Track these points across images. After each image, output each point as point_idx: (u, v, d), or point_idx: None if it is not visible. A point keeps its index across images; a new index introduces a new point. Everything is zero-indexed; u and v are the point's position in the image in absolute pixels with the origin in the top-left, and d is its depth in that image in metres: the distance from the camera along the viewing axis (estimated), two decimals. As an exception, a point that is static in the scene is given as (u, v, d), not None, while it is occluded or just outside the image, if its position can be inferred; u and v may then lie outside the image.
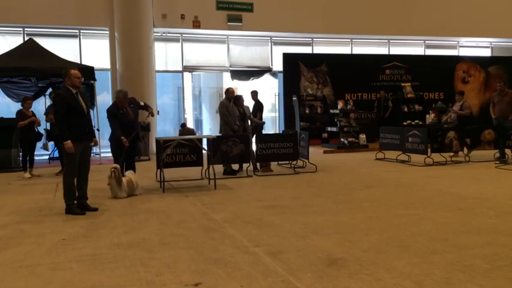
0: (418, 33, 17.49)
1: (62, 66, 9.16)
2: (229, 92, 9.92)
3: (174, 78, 15.96)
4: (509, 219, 5.55)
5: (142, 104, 8.49)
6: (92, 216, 6.04)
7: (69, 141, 6.01)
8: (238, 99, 10.02)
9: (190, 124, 16.04)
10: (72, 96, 6.15)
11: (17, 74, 11.28)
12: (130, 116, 7.83)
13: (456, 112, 11.92)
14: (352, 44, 17.65)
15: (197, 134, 14.26)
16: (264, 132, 13.22)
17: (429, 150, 10.51)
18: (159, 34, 15.00)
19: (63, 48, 13.78)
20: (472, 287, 3.52)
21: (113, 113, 7.79)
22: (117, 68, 14.00)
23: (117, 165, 7.37)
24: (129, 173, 7.57)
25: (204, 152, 9.06)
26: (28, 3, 13.45)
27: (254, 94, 13.25)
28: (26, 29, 14.05)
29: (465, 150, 11.03)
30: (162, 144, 8.35)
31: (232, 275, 3.82)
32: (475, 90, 18.02)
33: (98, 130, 11.91)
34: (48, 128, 10.78)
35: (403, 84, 16.68)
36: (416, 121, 15.20)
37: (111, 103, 10.40)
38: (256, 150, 9.63)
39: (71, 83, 6.17)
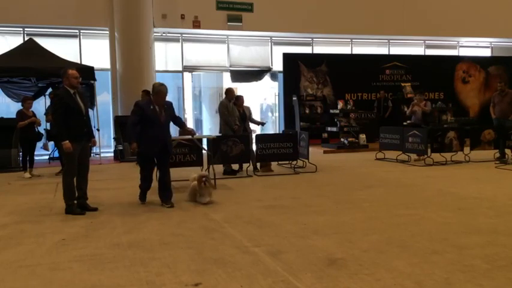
0: (418, 33, 17.48)
1: (61, 66, 9.15)
2: (230, 92, 9.93)
3: (174, 78, 15.95)
4: (509, 219, 5.55)
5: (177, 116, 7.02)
6: (91, 216, 6.03)
7: (67, 141, 6.01)
8: (238, 99, 10.03)
9: (190, 124, 16.04)
10: (70, 96, 6.15)
11: (17, 74, 11.29)
12: (162, 118, 6.50)
13: (420, 106, 11.64)
14: (352, 44, 17.64)
15: (196, 134, 14.25)
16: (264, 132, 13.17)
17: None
18: (159, 34, 15.00)
19: (63, 48, 13.77)
20: (472, 287, 3.52)
21: (141, 107, 6.47)
22: (117, 68, 14.00)
23: (206, 174, 6.77)
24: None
25: (204, 152, 9.06)
26: (28, 3, 13.44)
27: (145, 94, 11.63)
28: (26, 29, 14.04)
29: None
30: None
31: (232, 275, 3.82)
32: (475, 90, 18.03)
33: (98, 130, 11.92)
34: (48, 128, 10.78)
35: (403, 84, 16.67)
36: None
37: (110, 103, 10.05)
38: (256, 150, 9.63)
39: (68, 83, 6.18)
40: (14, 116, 9.85)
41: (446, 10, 17.15)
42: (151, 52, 14.13)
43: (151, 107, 6.43)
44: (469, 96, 17.96)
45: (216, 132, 11.23)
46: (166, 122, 6.62)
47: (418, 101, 11.86)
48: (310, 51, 17.16)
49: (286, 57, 15.94)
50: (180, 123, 6.98)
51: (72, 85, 6.18)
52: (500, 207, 6.17)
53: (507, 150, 11.01)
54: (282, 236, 4.93)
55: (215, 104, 14.92)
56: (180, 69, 15.72)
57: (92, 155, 12.16)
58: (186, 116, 16.20)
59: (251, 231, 5.16)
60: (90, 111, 7.84)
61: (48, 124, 10.66)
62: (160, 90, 6.47)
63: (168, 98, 6.69)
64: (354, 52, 17.63)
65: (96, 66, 12.24)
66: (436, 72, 16.89)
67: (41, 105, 12.71)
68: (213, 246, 4.62)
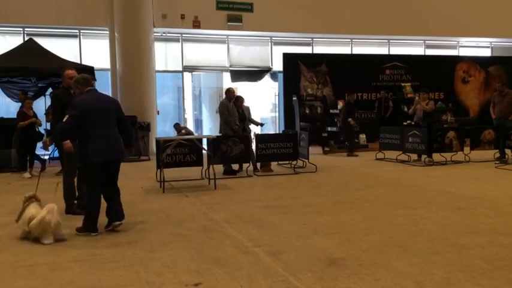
0: (418, 33, 17.49)
1: (61, 66, 9.17)
2: (230, 92, 9.94)
3: (174, 78, 15.96)
4: (509, 219, 5.56)
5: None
6: (92, 216, 6.02)
7: (68, 141, 6.01)
8: (238, 100, 10.03)
9: (190, 124, 16.04)
10: (70, 96, 6.15)
11: (17, 74, 11.29)
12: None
13: (422, 105, 11.21)
14: (352, 44, 17.64)
15: (195, 134, 14.26)
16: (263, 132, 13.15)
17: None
18: (159, 34, 15.00)
19: (63, 48, 13.78)
20: (472, 287, 3.52)
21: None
22: (117, 68, 14.00)
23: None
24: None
25: (204, 152, 9.06)
26: (28, 3, 13.45)
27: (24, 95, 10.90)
28: (26, 29, 14.04)
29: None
30: (162, 144, 8.35)
31: (232, 275, 3.82)
32: (475, 90, 18.03)
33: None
34: (49, 128, 10.78)
35: (403, 84, 16.67)
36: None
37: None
38: (256, 150, 9.63)
39: (66, 84, 6.21)
40: (14, 116, 9.86)
41: (446, 10, 17.16)
42: (151, 52, 14.13)
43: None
44: (469, 96, 17.96)
45: (216, 132, 11.24)
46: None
47: (421, 99, 11.62)
48: (310, 51, 17.15)
49: (286, 57, 15.93)
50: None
51: (70, 85, 6.19)
52: (500, 207, 6.16)
53: (507, 150, 11.01)
54: (282, 236, 4.93)
55: (215, 104, 14.92)
56: (180, 69, 15.71)
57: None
58: (186, 115, 16.21)
59: (251, 231, 5.16)
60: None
61: (48, 124, 10.66)
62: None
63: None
64: (354, 52, 17.63)
65: (96, 66, 12.23)
66: (436, 72, 16.86)
67: (41, 105, 12.71)
68: (213, 246, 4.62)
